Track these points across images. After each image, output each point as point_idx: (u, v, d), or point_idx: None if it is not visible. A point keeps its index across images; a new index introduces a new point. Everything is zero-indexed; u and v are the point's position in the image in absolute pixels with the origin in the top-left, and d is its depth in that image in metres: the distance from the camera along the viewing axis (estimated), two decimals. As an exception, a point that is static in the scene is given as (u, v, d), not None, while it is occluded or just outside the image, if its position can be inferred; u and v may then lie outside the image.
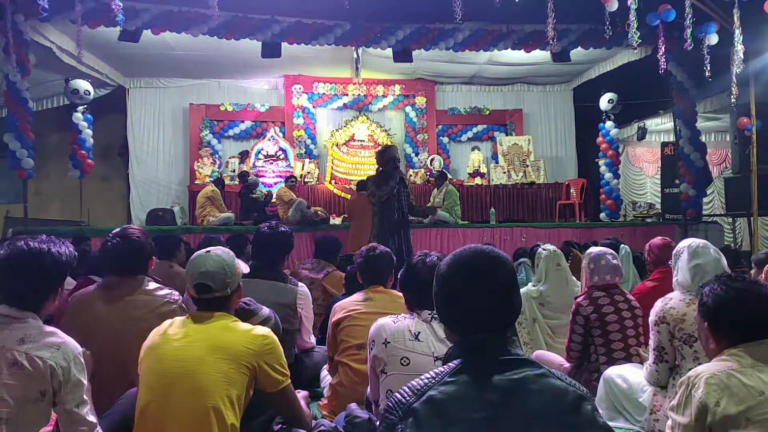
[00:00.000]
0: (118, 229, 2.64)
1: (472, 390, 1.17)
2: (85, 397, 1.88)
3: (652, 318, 2.62)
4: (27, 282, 1.88)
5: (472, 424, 1.14)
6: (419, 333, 2.05)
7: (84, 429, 1.87)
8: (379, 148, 6.35)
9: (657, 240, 3.89)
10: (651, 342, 2.65)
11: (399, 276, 2.33)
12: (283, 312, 2.98)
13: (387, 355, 2.02)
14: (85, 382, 1.88)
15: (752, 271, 4.26)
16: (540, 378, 1.19)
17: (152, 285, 2.55)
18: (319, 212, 7.98)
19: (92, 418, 1.89)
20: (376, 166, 6.05)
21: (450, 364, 1.23)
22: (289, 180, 8.95)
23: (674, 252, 2.71)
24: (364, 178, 7.66)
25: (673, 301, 2.59)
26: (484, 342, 1.24)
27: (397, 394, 1.21)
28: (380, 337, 2.07)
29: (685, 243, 2.68)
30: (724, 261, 2.60)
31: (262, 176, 9.96)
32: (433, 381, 1.20)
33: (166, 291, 2.56)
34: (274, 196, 8.88)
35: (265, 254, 3.24)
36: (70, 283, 3.93)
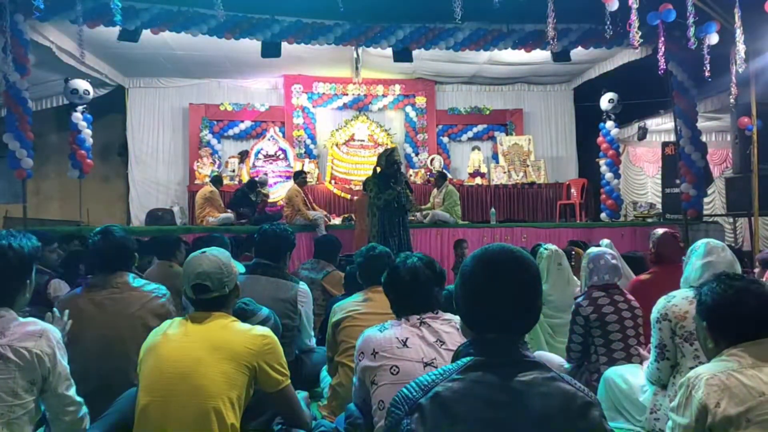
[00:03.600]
0: (99, 228, 2.67)
1: (479, 389, 1.16)
2: (71, 379, 1.92)
3: (653, 315, 2.61)
4: None
5: (477, 423, 1.13)
6: (407, 339, 1.99)
7: (73, 409, 1.91)
8: (386, 149, 6.33)
9: (658, 231, 3.82)
10: (652, 340, 2.64)
11: (382, 280, 2.26)
12: (283, 307, 2.99)
13: (377, 366, 1.97)
14: (67, 366, 1.91)
15: (756, 270, 4.26)
16: (549, 381, 1.18)
17: (138, 281, 2.55)
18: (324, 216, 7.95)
19: (79, 398, 1.94)
20: (375, 166, 6.04)
21: (459, 361, 1.22)
22: (299, 177, 8.36)
23: (690, 248, 2.71)
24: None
25: (676, 298, 2.58)
26: (497, 342, 1.23)
27: (405, 389, 1.21)
28: (368, 348, 2.02)
29: (703, 241, 2.68)
30: (738, 265, 2.59)
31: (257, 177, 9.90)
32: (441, 377, 1.19)
33: (153, 286, 2.57)
34: (284, 196, 8.69)
35: (269, 252, 3.26)
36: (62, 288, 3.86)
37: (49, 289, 3.76)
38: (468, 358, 1.21)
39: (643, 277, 3.74)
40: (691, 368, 1.92)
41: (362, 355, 2.03)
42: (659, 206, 10.04)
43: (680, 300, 2.56)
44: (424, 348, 1.97)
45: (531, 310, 1.27)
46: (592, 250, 3.40)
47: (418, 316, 2.06)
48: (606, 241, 4.44)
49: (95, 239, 2.58)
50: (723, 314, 1.75)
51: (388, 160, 5.90)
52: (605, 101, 9.48)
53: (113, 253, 2.56)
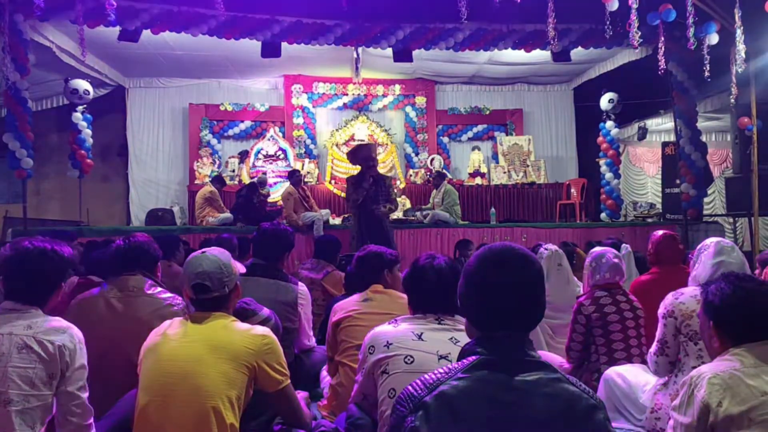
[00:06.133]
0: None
1: (484, 388, 1.16)
2: (86, 383, 1.95)
3: (660, 310, 2.60)
4: (32, 279, 1.97)
5: (482, 422, 1.13)
6: (422, 333, 2.01)
7: (81, 412, 1.92)
8: (351, 147, 6.23)
9: (659, 233, 3.82)
10: (657, 333, 2.63)
11: (404, 276, 2.28)
12: (284, 310, 2.98)
13: (391, 355, 1.97)
14: (86, 368, 1.96)
15: (756, 271, 4.25)
16: (554, 382, 1.18)
17: (154, 289, 2.57)
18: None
19: (90, 406, 1.95)
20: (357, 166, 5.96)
21: (464, 360, 1.22)
22: (293, 177, 8.17)
23: (699, 247, 2.69)
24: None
25: (684, 296, 2.56)
26: (502, 340, 1.23)
27: (409, 387, 1.21)
28: (381, 341, 2.02)
29: (712, 240, 2.66)
30: (748, 266, 2.59)
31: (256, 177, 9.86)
32: (446, 376, 1.19)
33: (168, 294, 2.59)
34: (280, 196, 8.65)
35: (267, 252, 3.24)
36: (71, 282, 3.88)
37: (65, 287, 3.75)
38: (473, 357, 1.21)
39: (644, 277, 3.75)
40: (694, 368, 1.92)
41: (373, 348, 2.03)
42: (659, 206, 10.04)
43: (688, 298, 2.54)
44: (439, 342, 1.97)
45: (536, 307, 1.28)
46: (595, 249, 3.40)
47: (436, 315, 2.07)
48: (626, 246, 4.46)
49: (119, 243, 2.65)
50: (731, 315, 1.74)
51: (356, 157, 5.80)
52: (605, 101, 9.48)
53: (133, 258, 2.60)
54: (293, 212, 7.65)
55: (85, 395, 1.93)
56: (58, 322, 1.94)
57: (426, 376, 1.21)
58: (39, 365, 1.82)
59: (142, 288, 2.53)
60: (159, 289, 2.59)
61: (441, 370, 1.21)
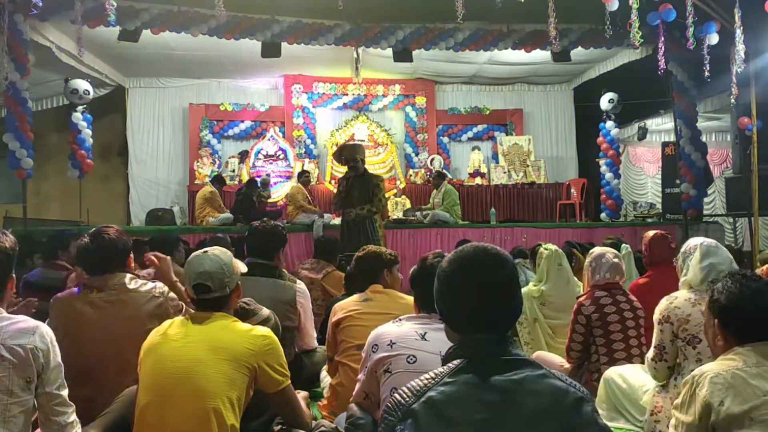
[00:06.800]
0: (92, 229, 2.64)
1: (471, 390, 1.16)
2: (64, 380, 1.90)
3: (656, 316, 2.60)
4: None
5: (471, 425, 1.13)
6: (425, 333, 2.01)
7: (64, 410, 1.88)
8: (336, 148, 6.23)
9: (649, 234, 3.84)
10: (653, 339, 2.63)
11: (411, 274, 2.29)
12: (283, 309, 2.98)
13: (393, 354, 1.98)
14: (62, 365, 1.90)
15: (757, 271, 4.26)
16: (540, 379, 1.18)
17: (135, 282, 2.53)
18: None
19: (71, 403, 1.91)
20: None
21: (450, 364, 1.23)
22: (302, 176, 8.50)
23: (683, 250, 2.67)
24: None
25: (678, 300, 2.55)
26: (484, 342, 1.24)
27: (397, 395, 1.21)
28: (384, 339, 2.03)
29: (695, 241, 2.63)
30: (734, 262, 2.58)
31: (259, 177, 9.88)
32: (433, 382, 1.19)
33: (149, 285, 2.55)
34: (286, 194, 8.69)
35: (261, 250, 3.23)
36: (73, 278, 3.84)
37: (69, 282, 3.74)
38: (458, 361, 1.22)
39: (641, 280, 3.75)
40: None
41: (376, 347, 2.04)
42: (659, 206, 10.04)
43: (682, 302, 2.54)
44: (442, 342, 1.97)
45: (511, 305, 1.29)
46: (595, 249, 3.41)
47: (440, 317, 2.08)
48: (626, 246, 4.45)
49: (85, 242, 2.55)
50: (738, 314, 1.74)
51: (340, 158, 5.75)
52: (605, 101, 9.49)
53: (105, 256, 2.53)
54: (303, 204, 7.79)
55: (65, 392, 1.89)
56: (25, 322, 1.86)
57: (413, 383, 1.21)
58: (13, 372, 1.77)
59: (123, 284, 2.49)
60: (139, 282, 2.55)
61: (427, 376, 1.21)
